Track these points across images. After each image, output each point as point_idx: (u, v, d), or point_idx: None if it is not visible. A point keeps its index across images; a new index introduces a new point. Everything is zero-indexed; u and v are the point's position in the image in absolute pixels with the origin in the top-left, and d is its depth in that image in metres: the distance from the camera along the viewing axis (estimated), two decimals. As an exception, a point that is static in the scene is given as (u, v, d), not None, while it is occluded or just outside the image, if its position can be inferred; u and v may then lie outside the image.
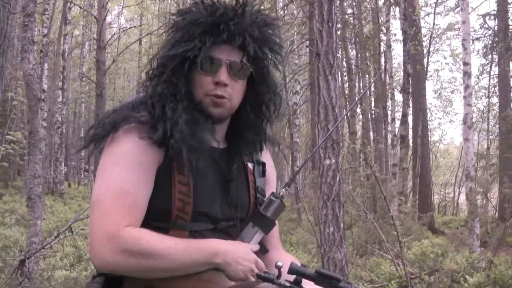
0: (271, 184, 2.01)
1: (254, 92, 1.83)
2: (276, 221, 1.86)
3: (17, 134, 14.06)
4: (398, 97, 21.55)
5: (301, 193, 12.49)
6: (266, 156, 2.00)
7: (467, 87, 12.76)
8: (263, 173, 1.96)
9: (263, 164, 1.97)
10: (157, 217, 1.65)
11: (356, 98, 20.81)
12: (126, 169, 1.61)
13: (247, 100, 1.83)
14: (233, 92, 1.75)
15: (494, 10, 18.92)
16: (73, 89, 31.82)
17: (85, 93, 30.21)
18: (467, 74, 12.77)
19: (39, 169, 6.77)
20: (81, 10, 26.15)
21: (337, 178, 5.58)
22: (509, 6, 18.57)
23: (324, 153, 5.59)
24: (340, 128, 5.65)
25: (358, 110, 21.84)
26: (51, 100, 21.86)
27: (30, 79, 6.60)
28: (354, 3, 20.87)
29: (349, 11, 20.49)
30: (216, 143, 1.81)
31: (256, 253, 1.75)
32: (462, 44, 12.89)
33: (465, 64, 12.89)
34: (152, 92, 1.73)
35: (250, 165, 1.92)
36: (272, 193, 1.84)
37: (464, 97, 12.81)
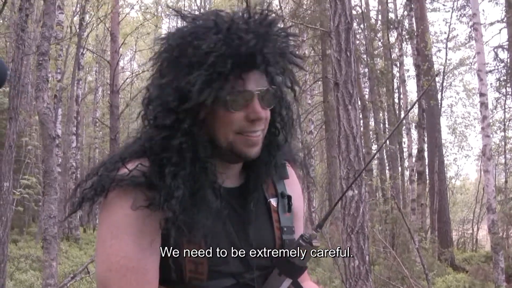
0: (299, 215, 1.77)
1: (272, 112, 1.55)
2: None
3: (32, 178, 14.10)
4: (413, 133, 21.38)
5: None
6: (291, 182, 1.76)
7: (484, 118, 12.64)
8: (289, 208, 1.69)
9: (289, 198, 1.70)
10: (169, 280, 1.46)
11: (371, 134, 20.75)
12: (126, 242, 1.40)
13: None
14: (266, 122, 1.52)
15: (506, 41, 18.90)
16: (87, 134, 32.03)
17: (99, 138, 30.40)
18: (484, 105, 12.67)
19: (55, 209, 6.66)
20: (94, 55, 26.51)
21: (361, 210, 5.42)
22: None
23: (346, 184, 5.45)
24: (362, 159, 5.51)
25: (374, 147, 21.71)
26: (66, 145, 21.93)
27: (45, 118, 6.54)
28: (365, 41, 20.90)
29: (361, 48, 20.52)
30: (230, 182, 1.58)
31: None
32: (478, 75, 12.84)
33: (482, 95, 12.80)
34: (161, 146, 1.45)
35: (273, 201, 1.67)
36: (302, 236, 1.58)
37: (482, 128, 12.69)
